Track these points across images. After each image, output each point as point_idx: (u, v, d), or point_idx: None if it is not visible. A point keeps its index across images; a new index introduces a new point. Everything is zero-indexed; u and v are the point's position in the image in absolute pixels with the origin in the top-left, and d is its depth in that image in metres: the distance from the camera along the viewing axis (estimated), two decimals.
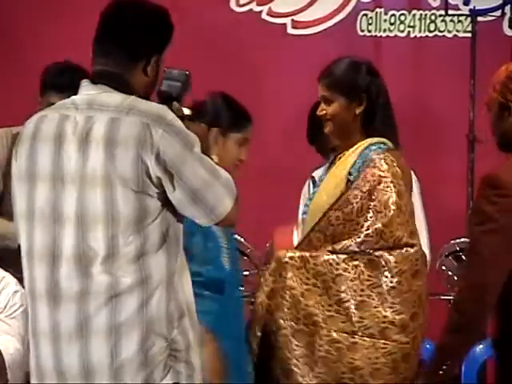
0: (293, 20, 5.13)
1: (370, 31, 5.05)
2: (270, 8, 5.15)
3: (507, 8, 4.67)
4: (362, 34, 5.07)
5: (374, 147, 3.01)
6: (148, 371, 2.19)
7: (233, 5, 5.14)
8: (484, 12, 4.68)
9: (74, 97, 2.27)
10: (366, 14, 5.06)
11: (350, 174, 2.99)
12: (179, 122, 2.21)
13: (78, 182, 2.18)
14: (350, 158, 3.03)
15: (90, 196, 2.18)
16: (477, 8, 4.69)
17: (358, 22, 5.06)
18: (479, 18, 4.66)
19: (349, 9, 5.09)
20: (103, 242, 2.18)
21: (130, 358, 2.18)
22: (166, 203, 2.21)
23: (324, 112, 3.09)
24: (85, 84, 2.28)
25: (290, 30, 5.12)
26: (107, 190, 2.16)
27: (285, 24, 5.13)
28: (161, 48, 2.30)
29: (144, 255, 2.20)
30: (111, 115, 2.18)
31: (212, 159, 2.38)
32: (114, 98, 2.22)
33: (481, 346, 3.91)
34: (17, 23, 5.41)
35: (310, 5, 5.12)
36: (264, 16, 5.15)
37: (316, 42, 5.09)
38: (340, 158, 3.08)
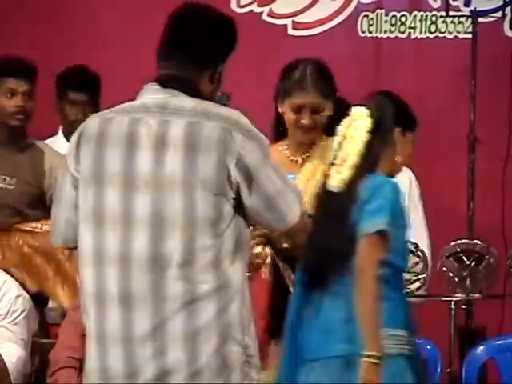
0: (293, 21, 5.16)
1: (370, 32, 5.08)
2: (270, 9, 5.18)
3: (508, 9, 4.71)
4: (362, 35, 5.10)
5: None
6: (225, 376, 2.23)
7: (234, 6, 5.16)
8: (485, 13, 4.70)
9: (141, 100, 2.30)
10: (366, 15, 5.10)
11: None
12: (254, 128, 2.26)
13: (153, 186, 2.19)
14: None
15: (167, 199, 2.19)
16: (477, 9, 4.71)
17: (359, 23, 5.09)
18: (480, 19, 4.68)
19: (350, 10, 5.12)
20: (180, 245, 2.20)
21: (207, 362, 2.21)
22: (238, 209, 2.24)
23: (311, 121, 3.15)
24: (152, 87, 2.30)
25: (291, 31, 5.16)
26: (187, 193, 2.18)
27: (285, 25, 5.18)
28: (226, 56, 2.35)
29: (221, 261, 2.23)
30: (188, 119, 2.21)
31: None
32: (187, 102, 2.25)
33: (481, 347, 3.99)
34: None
35: (310, 6, 5.15)
36: (265, 17, 5.20)
37: (317, 43, 5.12)
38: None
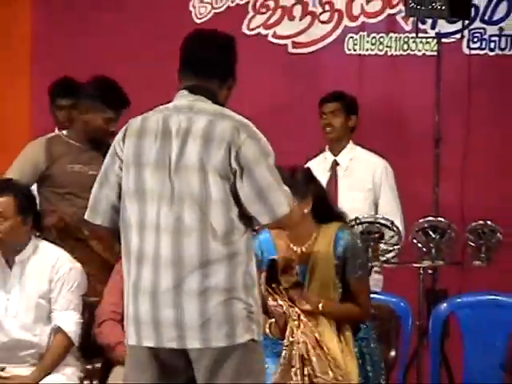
0: (293, 41, 5.55)
1: (355, 50, 5.45)
2: (274, 31, 5.58)
3: (465, 32, 4.96)
4: (348, 52, 5.49)
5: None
6: (230, 325, 2.54)
7: (245, 29, 5.60)
8: (447, 35, 4.97)
9: (174, 102, 2.66)
10: (352, 37, 5.47)
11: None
12: (261, 135, 2.60)
13: (175, 169, 2.55)
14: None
15: (185, 181, 2.54)
16: (441, 31, 5.01)
17: (346, 43, 5.47)
18: (443, 40, 4.94)
19: (338, 32, 5.49)
20: (197, 217, 2.52)
21: (215, 314, 2.53)
22: (236, 194, 2.55)
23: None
24: (183, 93, 2.66)
25: (291, 50, 5.56)
26: (200, 176, 2.53)
27: (286, 44, 5.56)
28: (234, 69, 2.72)
29: (232, 233, 2.54)
30: (208, 118, 2.57)
31: None
32: (208, 105, 2.62)
33: (444, 304, 4.33)
34: None
35: (307, 29, 5.51)
36: (270, 38, 5.60)
37: (312, 58, 5.54)
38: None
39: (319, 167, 4.65)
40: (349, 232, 3.53)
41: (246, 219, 2.58)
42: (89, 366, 4.01)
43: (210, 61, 2.67)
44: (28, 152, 4.20)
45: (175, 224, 2.54)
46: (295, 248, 3.45)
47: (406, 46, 5.36)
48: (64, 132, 4.31)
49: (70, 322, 3.80)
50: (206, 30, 2.86)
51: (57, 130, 4.67)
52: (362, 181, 4.78)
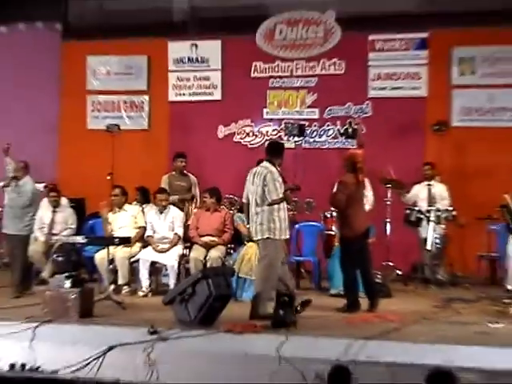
0: None
1: None
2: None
3: None
4: None
5: None
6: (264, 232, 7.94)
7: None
8: None
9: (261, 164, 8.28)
10: None
11: None
12: (275, 171, 8.02)
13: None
14: None
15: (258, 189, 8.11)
16: None
17: None
18: None
19: None
20: (259, 197, 8.02)
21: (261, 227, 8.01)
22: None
23: None
24: (265, 160, 8.23)
25: None
26: (259, 187, 8.07)
27: None
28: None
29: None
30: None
31: None
32: (270, 165, 8.17)
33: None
34: None
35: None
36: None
37: None
38: None
39: None
40: None
41: None
42: None
43: (275, 150, 8.45)
44: None
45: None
46: None
47: None
48: None
49: (175, 254, 10.06)
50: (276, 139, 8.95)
51: None
52: None
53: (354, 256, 8.18)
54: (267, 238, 7.78)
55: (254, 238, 7.98)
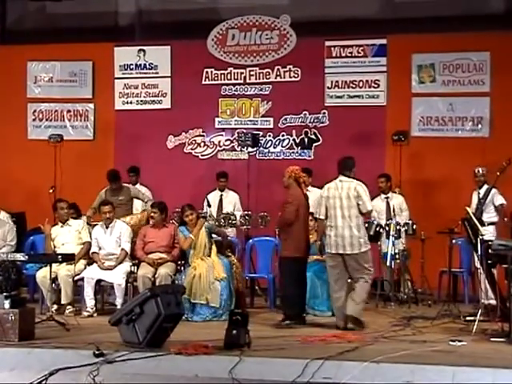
0: None
1: None
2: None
3: None
4: None
5: None
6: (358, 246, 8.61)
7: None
8: None
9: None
10: None
11: None
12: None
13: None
14: None
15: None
16: None
17: None
18: None
19: None
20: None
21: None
22: None
23: None
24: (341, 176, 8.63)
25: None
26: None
27: None
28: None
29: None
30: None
31: None
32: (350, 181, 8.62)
33: None
34: None
35: None
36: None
37: None
38: None
39: None
40: None
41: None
42: None
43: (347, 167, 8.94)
44: None
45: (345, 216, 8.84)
46: None
47: None
48: None
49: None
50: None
51: None
52: None
53: (294, 276, 8.72)
54: (368, 249, 8.46)
55: (349, 252, 8.39)
